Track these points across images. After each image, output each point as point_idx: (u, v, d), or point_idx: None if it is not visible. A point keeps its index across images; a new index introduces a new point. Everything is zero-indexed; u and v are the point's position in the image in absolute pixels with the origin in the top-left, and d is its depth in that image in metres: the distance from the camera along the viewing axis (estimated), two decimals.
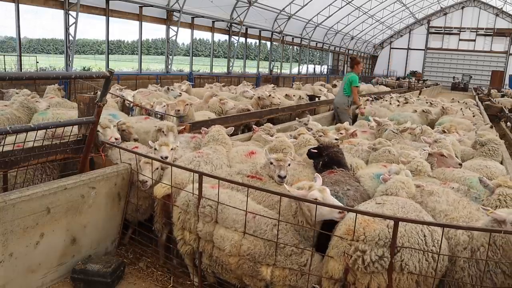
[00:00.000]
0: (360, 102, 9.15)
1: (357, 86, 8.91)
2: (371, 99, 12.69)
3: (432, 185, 3.83)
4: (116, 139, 4.57)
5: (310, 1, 27.61)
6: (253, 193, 3.63)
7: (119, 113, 6.77)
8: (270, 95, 9.80)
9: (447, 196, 3.50)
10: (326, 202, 2.98)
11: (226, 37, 25.92)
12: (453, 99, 17.38)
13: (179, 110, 6.68)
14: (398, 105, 12.12)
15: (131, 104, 7.91)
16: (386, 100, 13.04)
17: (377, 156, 4.87)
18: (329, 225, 3.09)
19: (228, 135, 5.30)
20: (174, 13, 20.02)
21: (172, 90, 9.84)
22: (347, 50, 44.60)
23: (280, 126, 7.38)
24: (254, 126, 6.35)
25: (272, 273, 3.05)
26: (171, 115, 6.74)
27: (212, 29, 23.93)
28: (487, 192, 3.58)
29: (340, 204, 3.12)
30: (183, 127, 5.86)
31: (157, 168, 3.97)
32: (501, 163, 5.55)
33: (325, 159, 4.30)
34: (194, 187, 3.47)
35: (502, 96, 25.54)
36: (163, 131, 5.18)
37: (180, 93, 9.60)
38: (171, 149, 4.34)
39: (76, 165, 4.25)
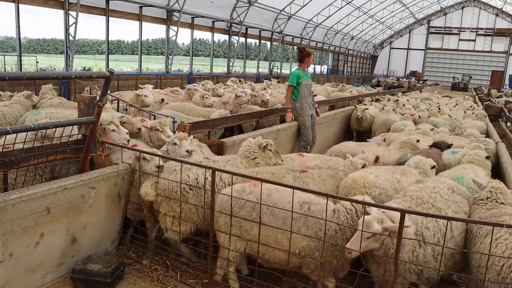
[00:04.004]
0: (289, 104, 7.41)
1: (290, 85, 7.29)
2: (372, 100, 12.64)
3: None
4: (128, 140, 4.61)
5: (310, 1, 27.61)
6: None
7: (116, 113, 6.74)
8: (261, 93, 9.79)
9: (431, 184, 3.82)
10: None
11: (226, 37, 25.92)
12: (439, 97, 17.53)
13: None
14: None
15: (125, 105, 7.89)
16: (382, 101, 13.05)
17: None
18: None
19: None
20: (174, 13, 20.01)
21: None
22: (347, 50, 44.59)
23: (280, 126, 7.36)
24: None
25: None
26: (166, 116, 6.72)
27: (212, 29, 23.92)
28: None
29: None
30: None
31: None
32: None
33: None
34: (233, 189, 3.42)
35: (500, 97, 25.57)
36: (157, 129, 5.12)
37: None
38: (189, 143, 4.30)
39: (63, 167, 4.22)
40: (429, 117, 10.52)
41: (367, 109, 10.64)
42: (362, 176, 3.99)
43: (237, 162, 4.46)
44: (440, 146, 6.51)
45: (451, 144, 6.58)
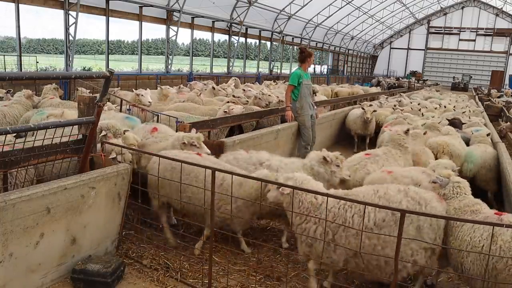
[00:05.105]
0: (289, 103, 7.44)
1: (291, 84, 7.29)
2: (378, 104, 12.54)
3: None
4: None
5: (310, 1, 27.62)
6: None
7: (120, 115, 6.71)
8: (267, 94, 9.86)
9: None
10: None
11: (226, 37, 25.92)
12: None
13: None
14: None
15: (128, 105, 7.93)
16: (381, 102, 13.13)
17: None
18: None
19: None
20: (174, 13, 20.02)
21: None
22: (347, 50, 44.58)
23: (280, 126, 7.36)
24: (389, 128, 5.85)
25: None
26: (170, 116, 6.73)
27: (212, 29, 23.93)
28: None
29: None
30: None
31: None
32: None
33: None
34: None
35: (500, 97, 25.58)
36: (194, 145, 4.64)
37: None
38: None
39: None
40: (422, 114, 10.72)
41: (375, 111, 10.19)
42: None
43: (393, 153, 5.26)
44: (456, 123, 7.80)
45: (464, 123, 8.32)
